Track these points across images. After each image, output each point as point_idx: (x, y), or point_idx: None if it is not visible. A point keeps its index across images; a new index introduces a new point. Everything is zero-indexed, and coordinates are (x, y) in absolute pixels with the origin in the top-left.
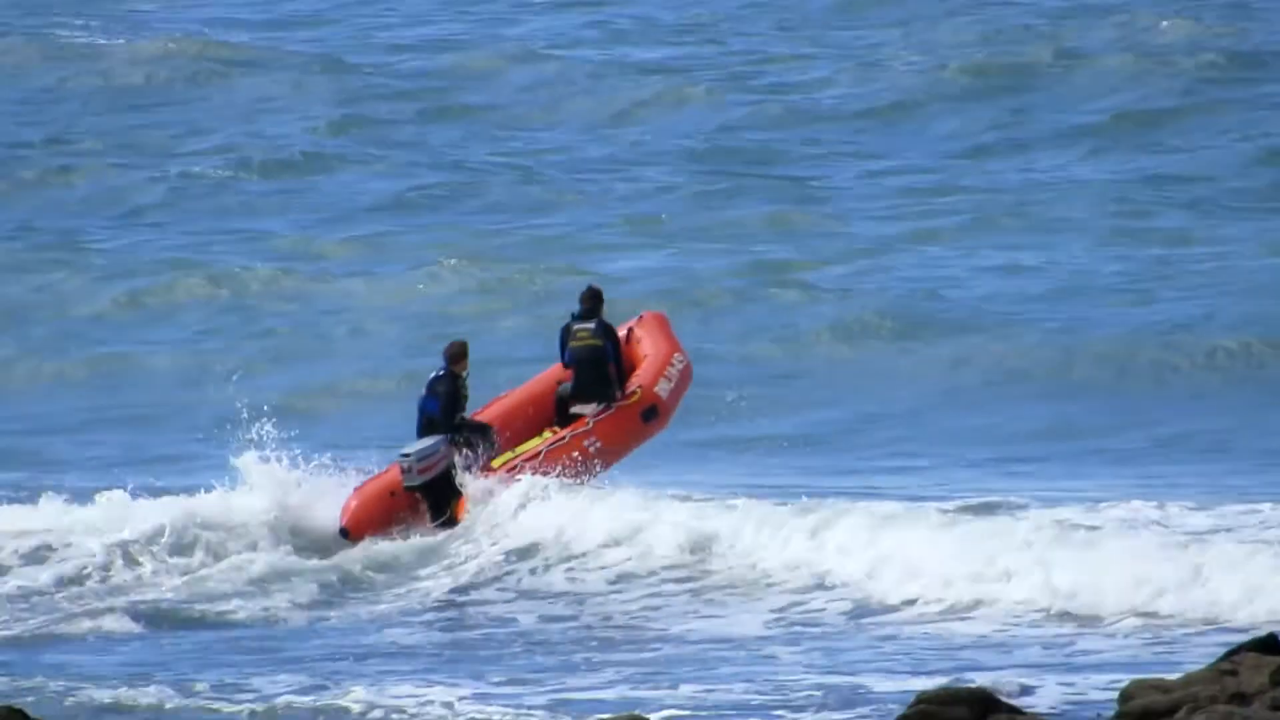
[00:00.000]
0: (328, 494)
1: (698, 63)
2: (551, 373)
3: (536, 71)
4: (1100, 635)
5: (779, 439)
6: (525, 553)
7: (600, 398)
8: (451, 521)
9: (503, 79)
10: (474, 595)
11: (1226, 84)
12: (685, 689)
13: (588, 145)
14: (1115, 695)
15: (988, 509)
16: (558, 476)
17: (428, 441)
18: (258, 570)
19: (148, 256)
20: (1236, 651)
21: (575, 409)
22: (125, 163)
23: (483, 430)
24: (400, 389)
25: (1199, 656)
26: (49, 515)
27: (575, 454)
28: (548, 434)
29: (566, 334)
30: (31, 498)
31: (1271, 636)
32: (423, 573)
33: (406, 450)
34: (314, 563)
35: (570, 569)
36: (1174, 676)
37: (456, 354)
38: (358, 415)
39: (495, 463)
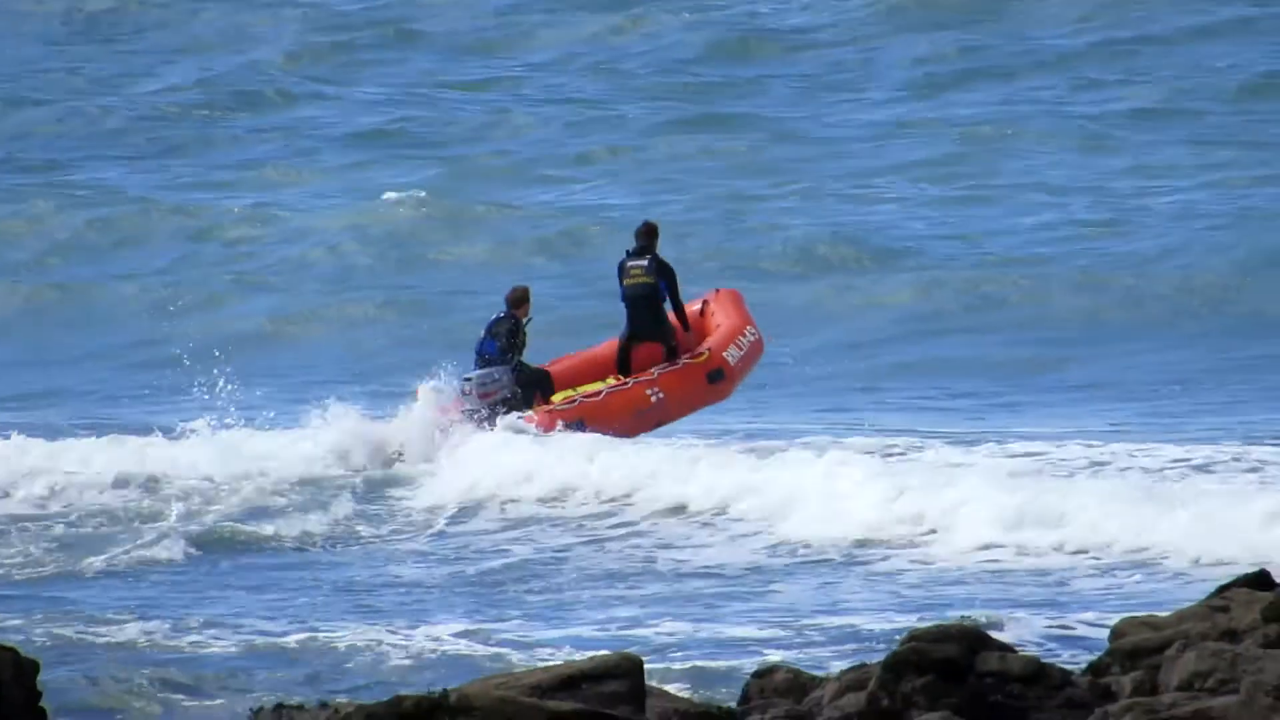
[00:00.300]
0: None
1: None
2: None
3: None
4: (1090, 572)
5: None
6: (512, 489)
7: (656, 337)
8: None
9: (468, 7)
10: (464, 529)
11: (1199, 13)
12: (670, 626)
13: (552, 75)
14: (1105, 632)
15: (963, 443)
16: (615, 420)
17: (491, 369)
18: (250, 507)
19: (117, 187)
20: (1228, 587)
21: (635, 356)
22: (93, 93)
23: (540, 376)
24: (379, 313)
25: (1191, 594)
26: (25, 451)
27: (636, 400)
28: (611, 380)
29: (621, 272)
30: (3, 433)
31: (1263, 572)
32: (412, 505)
33: (468, 375)
34: (308, 497)
35: (554, 507)
36: (1165, 613)
37: (519, 298)
38: (334, 343)
39: (555, 398)
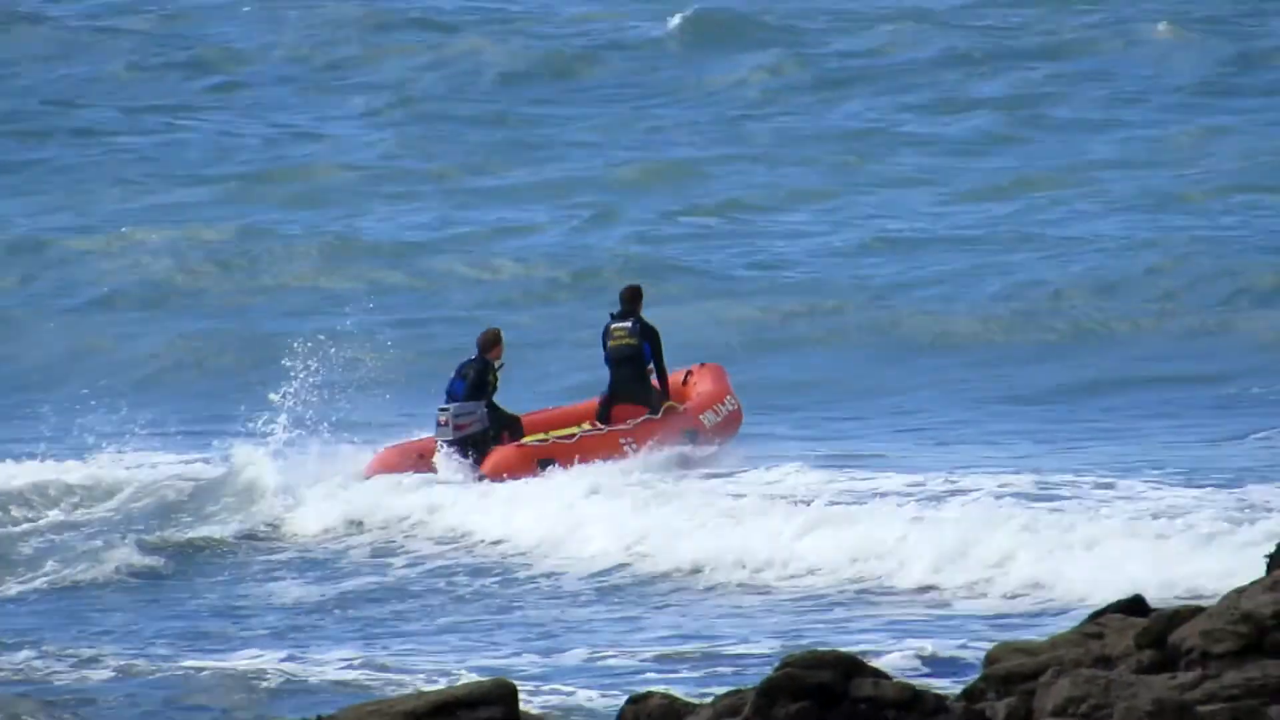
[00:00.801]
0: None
1: (476, 15)
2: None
3: (313, 20)
4: (963, 600)
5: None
6: (400, 525)
7: (638, 398)
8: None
9: (274, 28)
10: (337, 557)
11: (1045, 34)
12: (545, 654)
13: (383, 98)
14: (980, 657)
15: (826, 467)
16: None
17: (467, 403)
18: (123, 534)
19: None
20: (1102, 613)
21: (616, 412)
22: None
23: (510, 419)
24: (210, 338)
25: (1064, 620)
26: None
27: (609, 447)
28: (586, 425)
29: (606, 334)
30: None
31: (1138, 598)
32: (285, 533)
33: (444, 406)
34: (180, 525)
35: (437, 542)
36: (1039, 639)
37: (489, 341)
38: (166, 369)
39: (526, 440)
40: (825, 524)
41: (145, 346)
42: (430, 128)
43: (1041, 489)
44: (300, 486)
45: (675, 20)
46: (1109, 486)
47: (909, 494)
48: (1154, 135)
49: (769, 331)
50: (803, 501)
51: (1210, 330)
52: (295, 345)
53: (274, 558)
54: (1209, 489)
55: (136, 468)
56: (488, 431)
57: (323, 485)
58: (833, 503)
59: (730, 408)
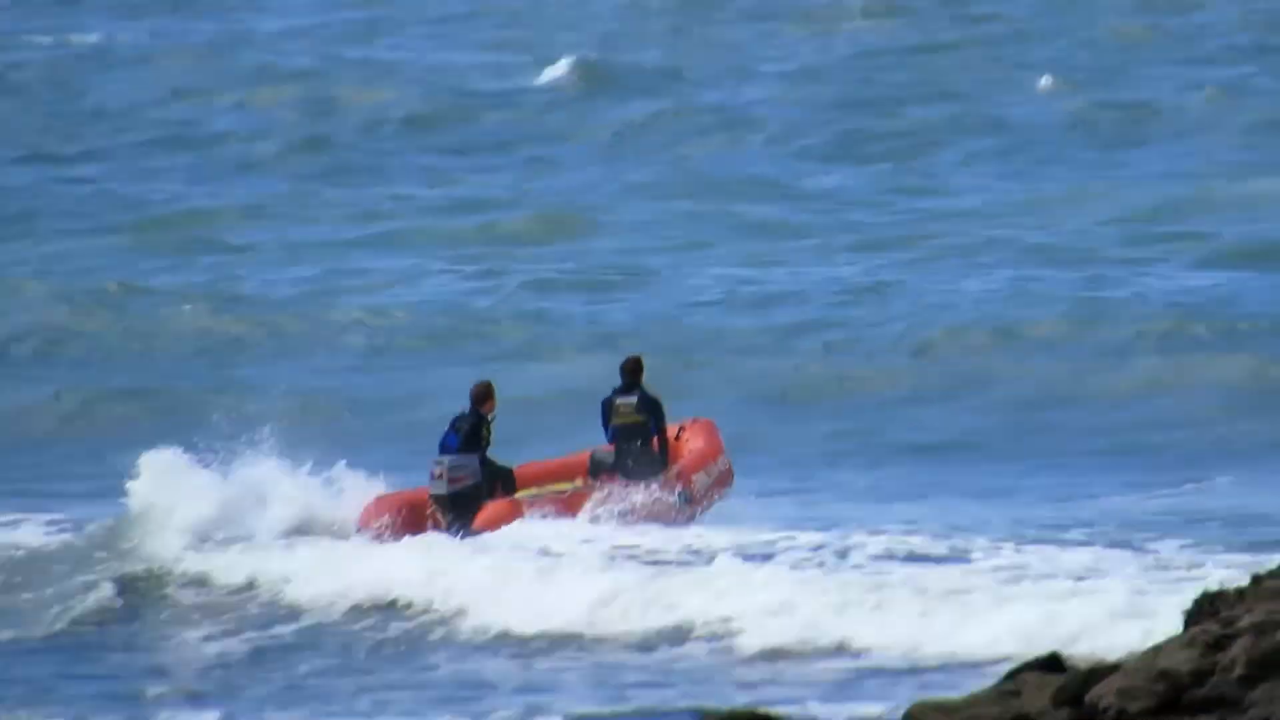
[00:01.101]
0: None
1: (367, 68)
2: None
3: (206, 69)
4: (882, 657)
5: None
6: (308, 583)
7: (644, 475)
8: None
9: (167, 77)
10: (264, 618)
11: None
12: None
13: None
14: (899, 716)
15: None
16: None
17: (461, 455)
18: (46, 587)
19: None
20: (1019, 671)
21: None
22: None
23: (503, 472)
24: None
25: (982, 679)
26: None
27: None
28: (579, 482)
29: (608, 409)
30: None
31: (1054, 656)
32: (189, 588)
33: (439, 459)
34: (66, 586)
35: (345, 599)
36: (958, 696)
37: (481, 395)
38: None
39: (519, 495)
40: (731, 582)
41: (33, 397)
42: (323, 176)
43: (935, 545)
44: (218, 536)
45: (561, 69)
46: (1007, 541)
47: (816, 547)
48: (1044, 187)
49: (666, 382)
50: (709, 559)
51: (1108, 369)
52: (217, 417)
53: (190, 608)
54: (1113, 547)
55: (26, 521)
56: (480, 486)
57: (240, 537)
58: (745, 556)
59: (722, 467)
